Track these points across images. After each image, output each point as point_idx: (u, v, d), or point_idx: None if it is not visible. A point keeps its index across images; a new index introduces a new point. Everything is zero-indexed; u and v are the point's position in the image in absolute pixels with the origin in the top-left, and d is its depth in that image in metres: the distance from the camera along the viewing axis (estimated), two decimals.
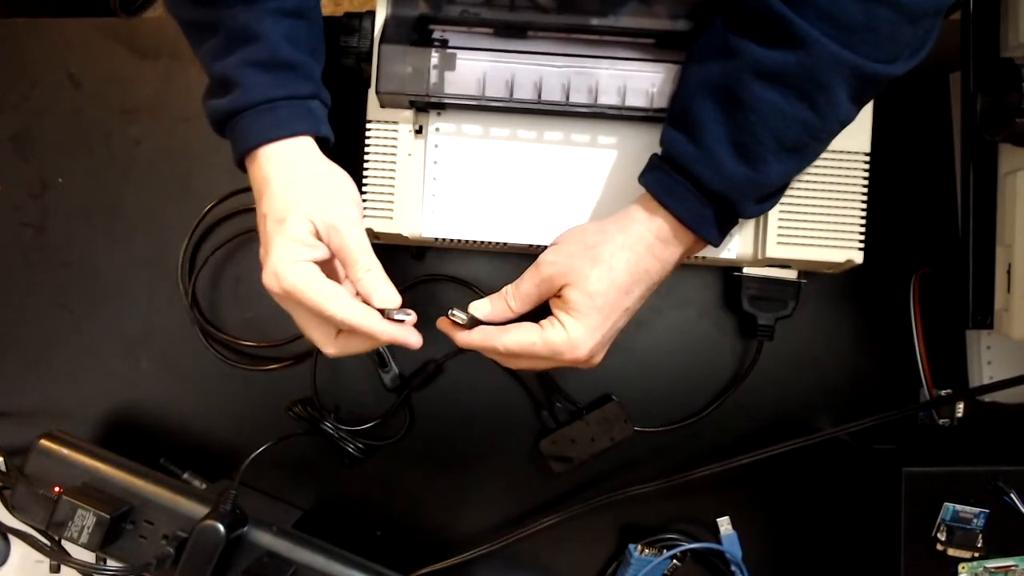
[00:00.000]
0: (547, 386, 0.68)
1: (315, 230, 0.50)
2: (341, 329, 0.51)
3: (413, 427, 0.69)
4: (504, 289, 0.53)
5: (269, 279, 0.49)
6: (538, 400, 0.68)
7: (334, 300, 0.48)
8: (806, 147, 0.49)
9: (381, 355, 0.67)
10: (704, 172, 0.49)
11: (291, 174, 0.51)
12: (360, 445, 0.67)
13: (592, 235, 0.51)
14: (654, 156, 0.52)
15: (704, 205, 0.50)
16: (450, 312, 0.53)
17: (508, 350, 0.52)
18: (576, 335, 0.50)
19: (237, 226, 0.68)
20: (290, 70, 0.52)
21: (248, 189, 0.54)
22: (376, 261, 0.51)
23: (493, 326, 0.53)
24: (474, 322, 0.53)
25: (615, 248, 0.51)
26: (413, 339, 0.51)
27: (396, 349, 0.68)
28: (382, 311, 0.50)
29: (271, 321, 0.68)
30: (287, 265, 0.48)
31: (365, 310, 0.49)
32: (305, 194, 0.50)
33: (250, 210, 0.68)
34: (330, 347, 0.52)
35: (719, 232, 0.51)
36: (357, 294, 0.51)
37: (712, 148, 0.48)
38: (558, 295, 0.51)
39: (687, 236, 0.51)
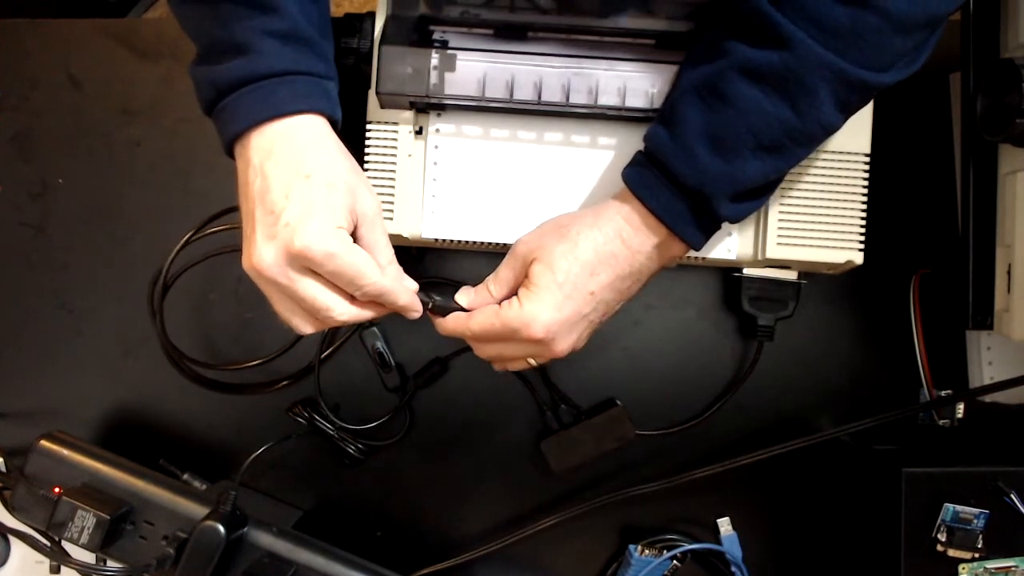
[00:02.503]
0: (551, 387, 0.67)
1: (353, 208, 0.49)
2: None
3: (413, 427, 0.69)
4: (488, 277, 0.54)
5: (311, 239, 0.45)
6: (542, 401, 0.67)
7: (373, 270, 0.48)
8: (784, 148, 0.49)
9: (382, 355, 0.67)
10: (678, 164, 0.49)
11: (329, 146, 0.49)
12: (360, 446, 0.67)
13: (566, 218, 0.53)
14: (638, 151, 0.53)
15: (677, 198, 0.50)
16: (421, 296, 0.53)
17: (473, 333, 0.52)
18: (530, 310, 0.50)
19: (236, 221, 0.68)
20: (308, 45, 0.50)
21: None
22: (393, 251, 0.51)
23: (464, 312, 0.53)
24: (441, 308, 0.54)
25: (583, 227, 0.51)
26: (417, 305, 0.52)
27: (396, 348, 0.68)
28: None
29: (270, 321, 0.68)
30: (331, 229, 0.47)
31: (395, 278, 0.50)
32: (348, 170, 0.49)
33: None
34: (345, 313, 0.50)
35: (698, 231, 0.51)
36: None
37: (687, 140, 0.48)
38: (527, 275, 0.52)
39: (659, 228, 0.51)
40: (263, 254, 0.47)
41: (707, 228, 0.51)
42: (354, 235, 0.49)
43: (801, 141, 0.49)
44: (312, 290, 0.48)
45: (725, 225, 0.58)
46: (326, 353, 0.68)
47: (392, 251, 0.51)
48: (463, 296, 0.54)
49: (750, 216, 0.55)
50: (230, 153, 0.50)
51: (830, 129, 0.49)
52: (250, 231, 0.48)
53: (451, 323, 0.54)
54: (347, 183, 0.48)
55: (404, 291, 0.51)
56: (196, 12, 0.49)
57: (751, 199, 0.51)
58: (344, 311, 0.49)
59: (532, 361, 0.55)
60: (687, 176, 0.49)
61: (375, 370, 0.68)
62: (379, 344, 0.67)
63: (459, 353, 0.68)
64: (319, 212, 0.46)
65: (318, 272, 0.47)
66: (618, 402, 0.67)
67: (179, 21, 0.50)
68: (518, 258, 0.52)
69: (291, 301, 0.49)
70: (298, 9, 0.49)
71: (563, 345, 0.52)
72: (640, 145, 0.53)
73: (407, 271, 0.53)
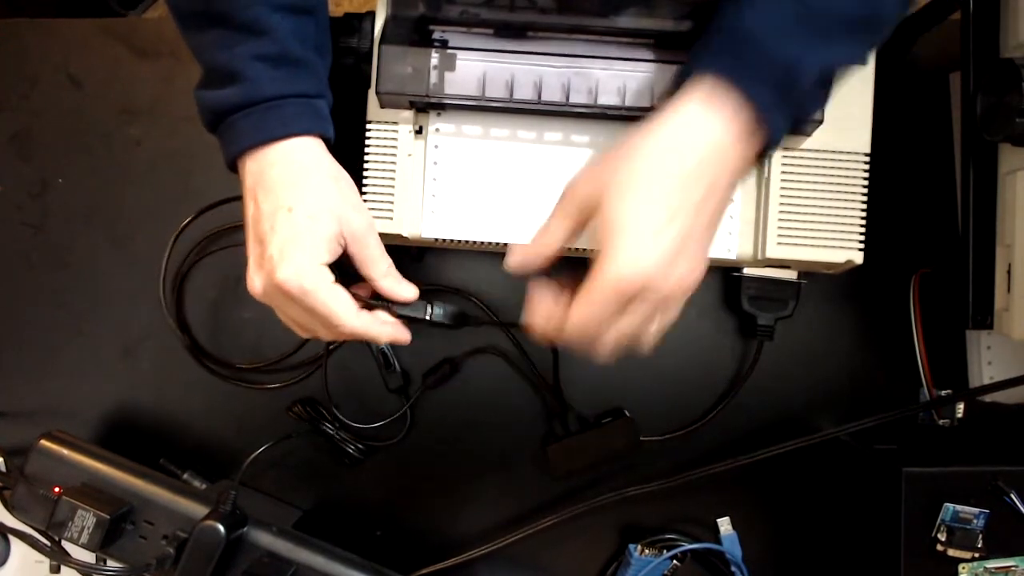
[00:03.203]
0: (559, 393, 0.67)
1: (340, 233, 0.50)
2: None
3: (414, 428, 0.69)
4: (537, 231, 0.47)
5: (289, 274, 0.47)
6: (549, 405, 0.67)
7: (346, 313, 0.49)
8: (866, 24, 0.45)
9: (386, 356, 0.67)
10: (768, 37, 0.43)
11: (316, 172, 0.50)
12: (360, 446, 0.67)
13: (623, 144, 0.44)
14: (701, 38, 0.46)
15: (764, 74, 0.43)
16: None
17: (577, 328, 0.43)
18: (629, 259, 0.41)
19: (234, 219, 0.68)
20: (299, 67, 0.51)
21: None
22: (390, 260, 0.52)
23: (550, 315, 0.46)
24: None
25: (649, 136, 0.43)
26: (405, 336, 0.53)
27: (400, 349, 0.68)
28: (389, 303, 0.53)
29: (270, 320, 0.68)
30: (314, 266, 0.48)
31: (368, 321, 0.51)
32: (333, 196, 0.50)
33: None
34: (329, 336, 0.52)
35: (781, 117, 0.45)
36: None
37: (774, 15, 0.43)
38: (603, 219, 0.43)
39: (743, 110, 0.43)
40: (254, 281, 0.50)
41: (788, 117, 0.45)
42: (346, 253, 0.51)
43: (874, 23, 0.46)
44: (298, 316, 0.51)
45: (725, 225, 0.58)
46: (333, 347, 0.68)
47: (388, 261, 0.52)
48: (514, 255, 0.47)
49: (752, 209, 0.55)
50: (233, 170, 0.52)
51: (901, 14, 0.47)
52: (248, 253, 0.51)
53: (539, 327, 0.46)
54: (330, 210, 0.49)
55: (382, 332, 0.52)
56: (196, 39, 0.51)
57: (825, 88, 0.47)
58: (328, 335, 0.52)
59: (659, 323, 0.45)
60: (776, 51, 0.43)
61: (377, 370, 0.67)
62: (384, 344, 0.67)
63: (471, 354, 0.68)
64: (298, 247, 0.48)
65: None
66: (626, 412, 0.66)
67: (187, 45, 0.52)
68: (575, 202, 0.44)
69: (286, 316, 0.52)
70: (290, 28, 0.50)
71: (684, 271, 0.42)
72: None
73: (406, 271, 0.53)
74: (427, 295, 0.54)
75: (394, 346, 0.67)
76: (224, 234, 0.69)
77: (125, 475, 0.56)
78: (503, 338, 0.67)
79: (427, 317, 0.54)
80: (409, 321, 0.54)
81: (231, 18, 0.49)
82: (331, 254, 0.49)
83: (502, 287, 0.67)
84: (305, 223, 0.48)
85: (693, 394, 0.68)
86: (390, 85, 0.55)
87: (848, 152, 0.57)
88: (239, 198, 0.51)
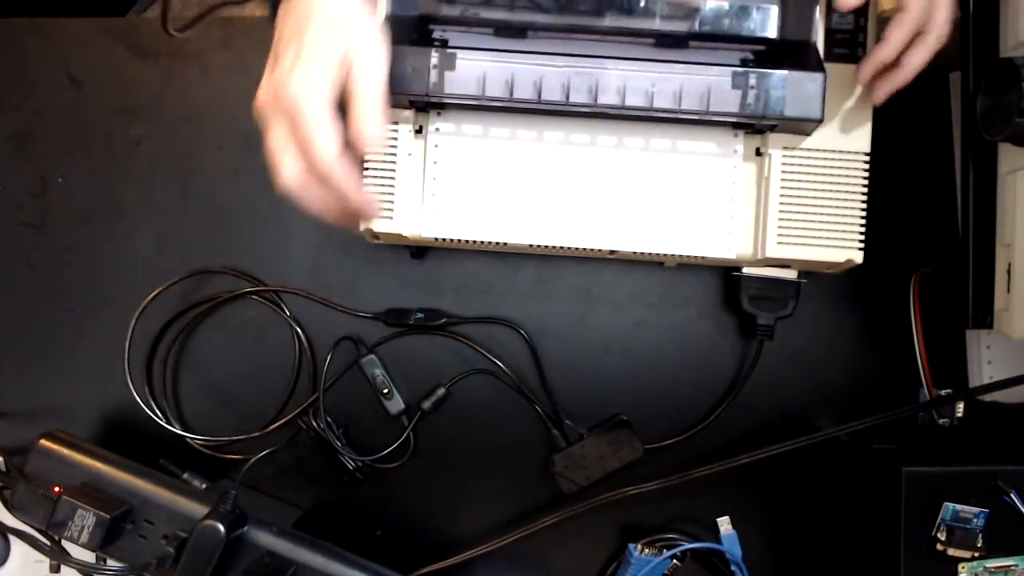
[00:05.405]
0: (554, 403, 0.67)
1: (345, 55, 0.48)
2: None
3: (416, 451, 0.68)
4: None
5: (295, 88, 0.46)
6: (547, 418, 0.67)
7: (327, 143, 0.46)
8: None
9: (383, 382, 0.67)
10: None
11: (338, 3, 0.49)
12: (360, 463, 0.67)
13: None
14: None
15: None
16: None
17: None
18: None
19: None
20: None
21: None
22: (378, 108, 0.49)
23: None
24: None
25: None
26: (373, 209, 0.51)
27: (395, 382, 0.68)
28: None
29: (272, 320, 0.68)
30: (316, 84, 0.47)
31: (345, 169, 0.47)
32: (347, 20, 0.49)
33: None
34: (304, 174, 0.48)
35: None
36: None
37: None
38: None
39: None
40: (260, 92, 0.48)
41: None
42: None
43: None
44: (281, 139, 0.47)
45: (725, 224, 0.59)
46: (328, 384, 0.68)
47: (375, 102, 0.49)
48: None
49: (752, 208, 0.54)
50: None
51: None
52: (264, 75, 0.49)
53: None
54: (340, 32, 0.48)
55: (352, 185, 0.48)
56: None
57: None
58: (302, 171, 0.47)
59: None
60: None
61: (376, 397, 0.67)
62: (378, 372, 0.67)
63: (462, 378, 0.68)
64: (308, 63, 0.47)
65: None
66: (624, 418, 0.66)
67: None
68: None
69: (271, 139, 0.48)
70: None
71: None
72: (640, 144, 0.52)
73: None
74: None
75: (391, 376, 0.67)
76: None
77: (125, 475, 0.56)
78: (488, 362, 0.67)
79: (411, 322, 0.64)
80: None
81: None
82: (335, 78, 0.47)
83: (502, 285, 0.68)
84: (319, 41, 0.47)
85: (693, 394, 0.68)
86: (390, 84, 0.55)
87: (848, 152, 0.57)
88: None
